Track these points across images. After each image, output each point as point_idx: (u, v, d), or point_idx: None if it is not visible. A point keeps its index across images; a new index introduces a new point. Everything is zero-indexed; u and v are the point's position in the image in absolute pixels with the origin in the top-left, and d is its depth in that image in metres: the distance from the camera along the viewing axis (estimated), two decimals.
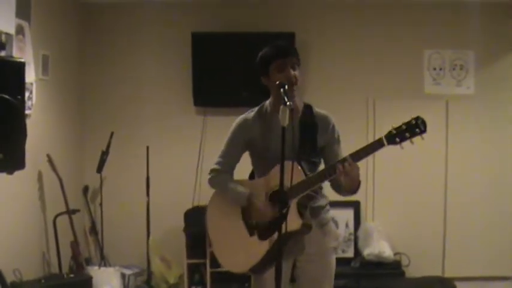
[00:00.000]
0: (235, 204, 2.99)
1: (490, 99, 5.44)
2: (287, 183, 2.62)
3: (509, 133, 5.42)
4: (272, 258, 2.84)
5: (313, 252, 2.97)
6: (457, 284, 5.02)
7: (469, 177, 5.41)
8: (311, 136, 2.94)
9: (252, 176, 3.13)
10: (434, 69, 5.51)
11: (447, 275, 5.31)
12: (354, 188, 2.82)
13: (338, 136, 3.04)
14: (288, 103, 2.61)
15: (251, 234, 2.94)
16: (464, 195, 5.39)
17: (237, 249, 2.97)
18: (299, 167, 2.80)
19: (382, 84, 5.49)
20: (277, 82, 2.80)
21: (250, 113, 3.05)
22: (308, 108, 3.01)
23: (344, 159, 2.74)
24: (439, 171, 5.44)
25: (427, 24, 5.45)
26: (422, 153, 5.20)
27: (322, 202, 3.02)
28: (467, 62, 5.50)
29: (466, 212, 5.38)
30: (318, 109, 3.04)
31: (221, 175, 3.06)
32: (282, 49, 2.94)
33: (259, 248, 2.89)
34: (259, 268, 2.93)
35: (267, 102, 3.05)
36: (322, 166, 3.02)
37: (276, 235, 2.79)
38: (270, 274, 2.84)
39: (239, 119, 3.06)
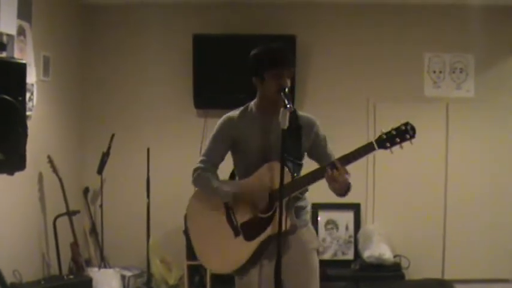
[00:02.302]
0: (222, 199, 2.97)
1: (490, 102, 5.44)
2: (275, 184, 2.65)
3: (509, 136, 5.42)
4: (256, 258, 2.86)
5: (295, 253, 2.96)
6: (457, 286, 5.02)
7: (469, 180, 5.41)
8: (295, 138, 2.95)
9: (232, 176, 3.13)
10: (434, 72, 5.51)
11: (447, 277, 5.31)
12: (342, 192, 2.85)
13: (324, 137, 3.05)
14: (288, 106, 2.66)
15: (236, 234, 2.93)
16: (464, 198, 5.39)
17: (221, 249, 2.97)
18: (286, 168, 2.80)
19: (382, 87, 5.49)
20: (278, 86, 2.83)
21: (236, 112, 3.07)
22: (292, 111, 2.99)
23: (334, 165, 2.76)
24: (439, 174, 5.43)
25: (427, 28, 5.45)
26: (423, 156, 5.23)
27: (303, 203, 3.04)
28: (467, 65, 5.50)
29: (465, 215, 5.38)
30: (302, 112, 3.05)
31: (204, 173, 3.03)
32: (281, 59, 2.91)
33: (246, 248, 2.89)
34: (243, 269, 2.93)
35: (252, 102, 3.06)
36: (304, 169, 3.01)
37: (261, 235, 2.84)
38: (255, 275, 2.87)
39: (224, 117, 3.08)
